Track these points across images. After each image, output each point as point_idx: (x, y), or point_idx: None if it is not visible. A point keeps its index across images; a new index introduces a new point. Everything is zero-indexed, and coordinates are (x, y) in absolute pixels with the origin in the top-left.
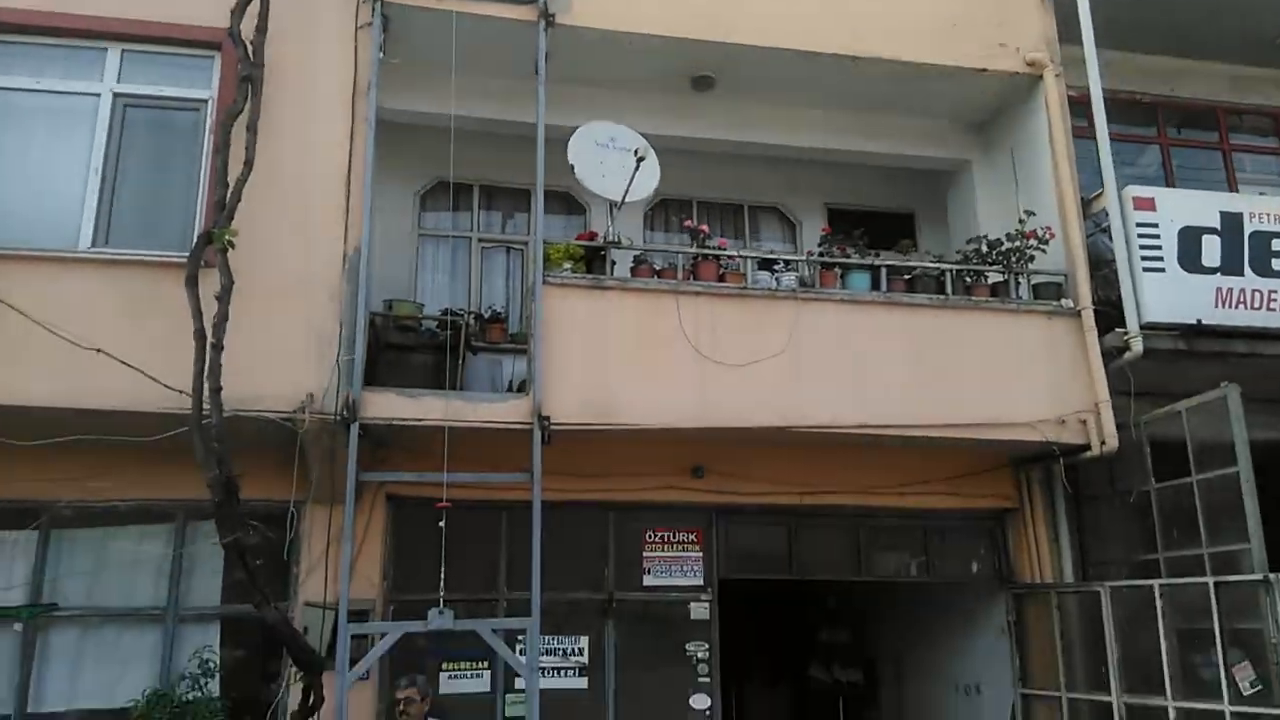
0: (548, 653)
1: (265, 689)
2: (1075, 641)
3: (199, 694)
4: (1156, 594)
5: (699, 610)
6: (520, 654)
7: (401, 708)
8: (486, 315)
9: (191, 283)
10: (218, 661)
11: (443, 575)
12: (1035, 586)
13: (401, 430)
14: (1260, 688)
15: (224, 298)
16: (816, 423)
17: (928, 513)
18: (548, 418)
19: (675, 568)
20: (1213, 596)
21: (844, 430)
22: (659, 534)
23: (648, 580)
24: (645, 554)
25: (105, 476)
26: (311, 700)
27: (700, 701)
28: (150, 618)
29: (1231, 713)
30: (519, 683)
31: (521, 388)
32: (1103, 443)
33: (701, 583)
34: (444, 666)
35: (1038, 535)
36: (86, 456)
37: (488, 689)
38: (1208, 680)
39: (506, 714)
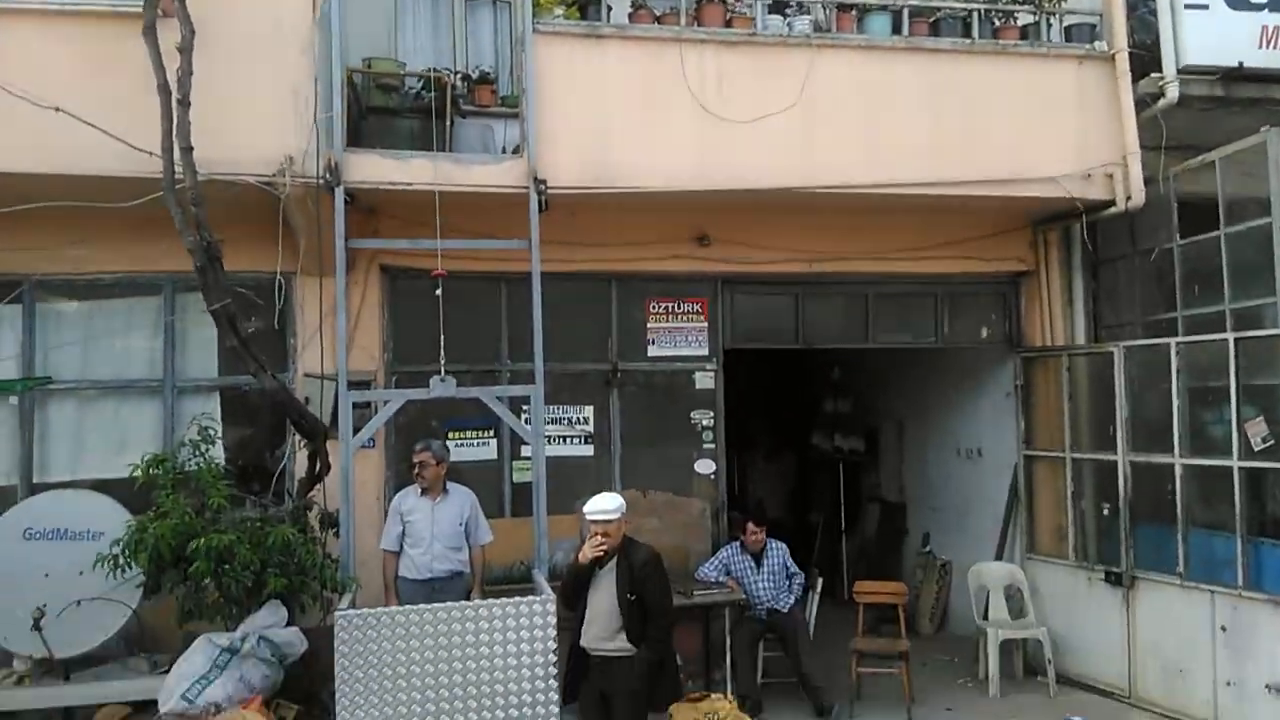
0: (553, 422)
1: (270, 459)
2: (1083, 403)
3: (201, 461)
4: (1173, 352)
5: (704, 380)
6: (526, 423)
7: (417, 470)
8: (474, 76)
9: (150, 31)
10: (218, 429)
11: (442, 344)
12: (1046, 350)
13: (390, 197)
14: (1271, 443)
15: (186, 48)
16: (828, 183)
17: (940, 278)
18: (544, 181)
19: (680, 338)
20: (1231, 353)
21: (857, 190)
22: (663, 304)
23: (652, 351)
24: (649, 325)
25: (85, 245)
26: (318, 468)
27: (705, 466)
28: (148, 390)
29: (1239, 468)
30: (525, 450)
31: (516, 152)
32: (1128, 198)
33: (706, 353)
34: (450, 435)
35: (1051, 298)
36: (64, 226)
37: (494, 456)
38: (1218, 438)
39: (514, 480)
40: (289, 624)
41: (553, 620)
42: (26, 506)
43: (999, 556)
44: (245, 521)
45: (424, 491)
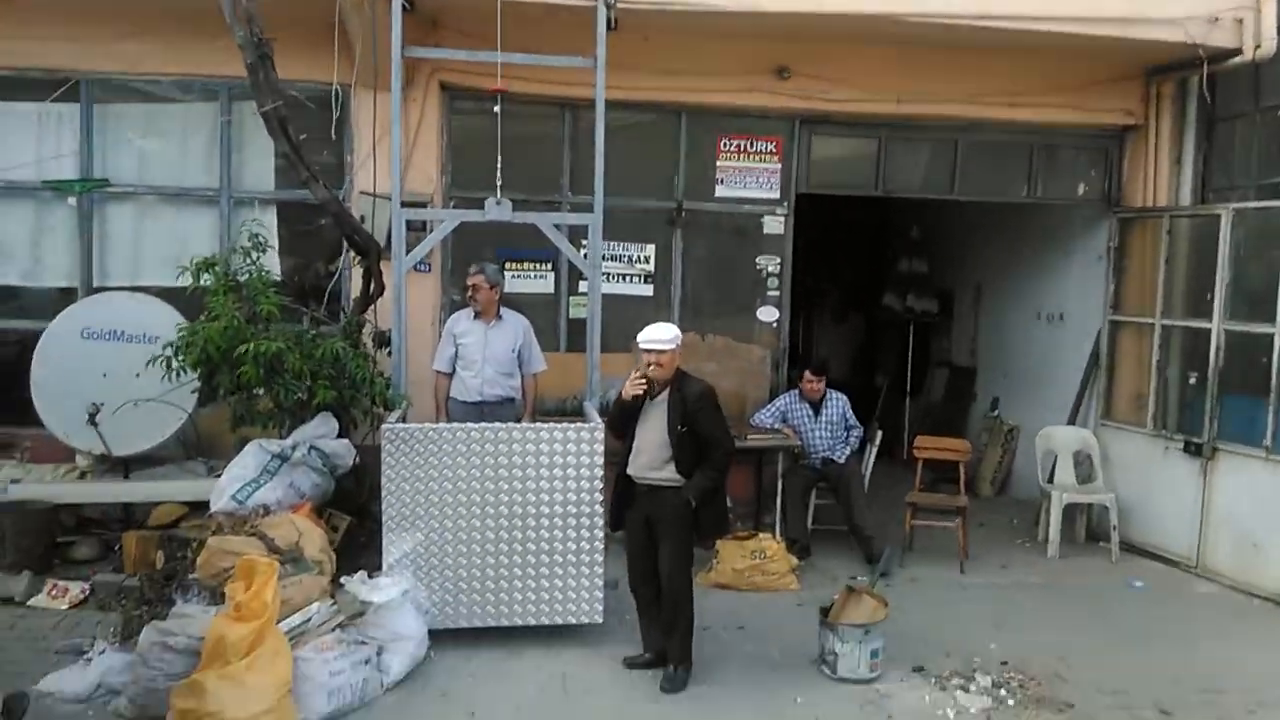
0: (612, 259)
1: (325, 277)
2: (1180, 269)
3: (252, 270)
4: None
5: (773, 225)
6: (584, 255)
7: (470, 293)
8: None
9: None
10: (269, 237)
11: (499, 165)
12: (1146, 211)
13: (452, 5)
14: None
15: None
16: (924, 11)
17: (1037, 127)
18: None
19: (750, 179)
20: None
21: (955, 21)
22: (734, 142)
23: (720, 191)
24: (719, 163)
25: (135, 40)
26: (372, 287)
27: (768, 314)
28: (204, 199)
29: None
30: (583, 285)
31: None
32: (1257, 46)
33: (777, 196)
34: (507, 266)
35: (1158, 155)
36: (111, 17)
37: (551, 290)
38: None
39: (570, 315)
40: (340, 437)
41: (600, 449)
42: (85, 306)
43: (1071, 422)
44: (296, 332)
45: (477, 315)
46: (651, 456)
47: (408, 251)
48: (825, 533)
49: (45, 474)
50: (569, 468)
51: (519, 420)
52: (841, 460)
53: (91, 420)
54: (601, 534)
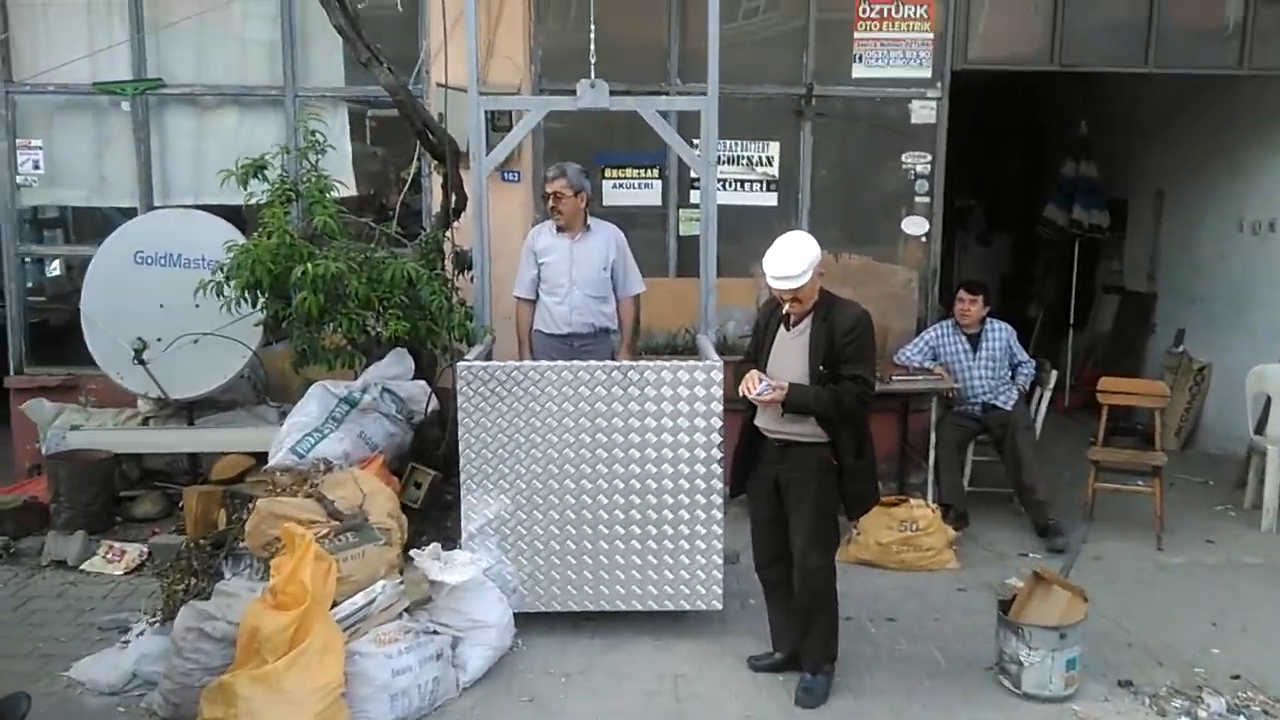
0: (729, 162)
1: (403, 190)
2: None
3: (312, 175)
4: None
5: (923, 112)
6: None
7: (551, 203)
8: None
9: None
10: (327, 134)
11: (592, 40)
12: None
13: None
14: None
15: None
16: None
17: None
18: None
19: (896, 53)
20: None
21: None
22: (875, 7)
23: (858, 71)
24: (856, 34)
25: None
26: (453, 200)
27: (915, 225)
28: (267, 100)
29: None
30: (694, 196)
31: None
32: None
33: (929, 74)
34: (606, 174)
35: None
36: None
37: (658, 202)
38: None
39: (680, 232)
40: (418, 378)
41: (720, 393)
42: (140, 224)
43: None
44: (361, 251)
45: (560, 229)
46: None
47: (489, 151)
48: (982, 495)
49: (107, 420)
50: (681, 416)
51: (616, 356)
52: (1008, 406)
53: (138, 358)
54: (722, 500)
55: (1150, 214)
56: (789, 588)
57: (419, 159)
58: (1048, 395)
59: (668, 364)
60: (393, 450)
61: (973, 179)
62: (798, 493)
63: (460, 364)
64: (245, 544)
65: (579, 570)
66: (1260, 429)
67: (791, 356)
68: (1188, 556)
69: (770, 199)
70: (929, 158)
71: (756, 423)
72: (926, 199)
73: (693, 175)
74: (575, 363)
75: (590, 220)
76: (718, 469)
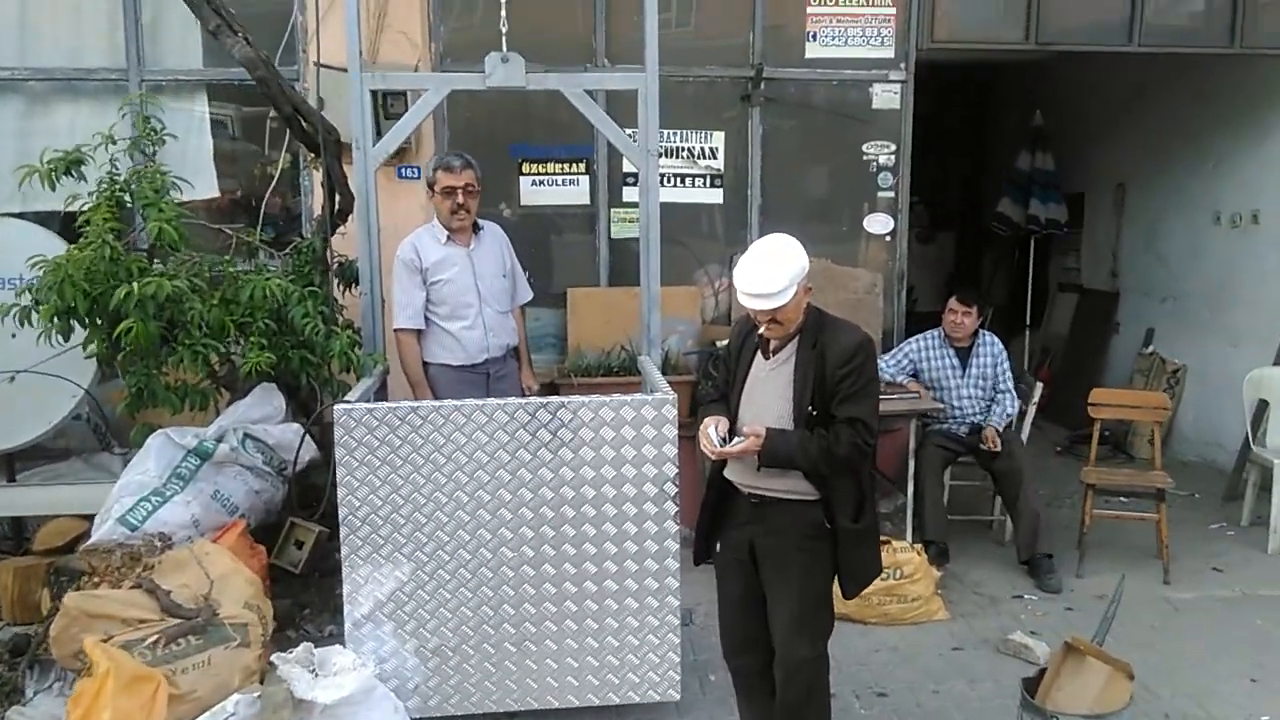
0: (668, 154)
1: (258, 184)
2: None
3: (141, 169)
4: None
5: (885, 97)
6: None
7: (458, 201)
8: None
9: None
10: (163, 121)
11: (504, 9)
12: None
13: None
14: None
15: None
16: None
17: None
18: None
19: (855, 31)
20: None
21: None
22: None
23: (812, 50)
24: (810, 9)
25: None
26: (339, 202)
27: (879, 224)
28: (107, 86)
29: None
30: (629, 192)
31: None
32: None
33: (891, 54)
34: (524, 169)
35: None
36: None
37: (586, 201)
38: None
39: (612, 234)
40: (297, 419)
41: (672, 433)
42: None
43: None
44: (211, 266)
45: (449, 236)
46: None
47: (377, 140)
48: (957, 525)
49: None
50: (625, 463)
51: (521, 380)
52: (999, 426)
53: None
54: (676, 565)
55: (1111, 208)
56: (767, 682)
57: (287, 150)
58: (1032, 412)
59: (609, 400)
60: (259, 512)
61: (914, 174)
62: (779, 564)
63: (337, 407)
64: (51, 649)
65: (498, 660)
66: (1257, 437)
67: (771, 393)
68: (1199, 590)
69: (715, 196)
70: (893, 147)
71: (727, 474)
72: (891, 194)
73: (626, 170)
74: (490, 401)
75: (477, 220)
76: (672, 526)
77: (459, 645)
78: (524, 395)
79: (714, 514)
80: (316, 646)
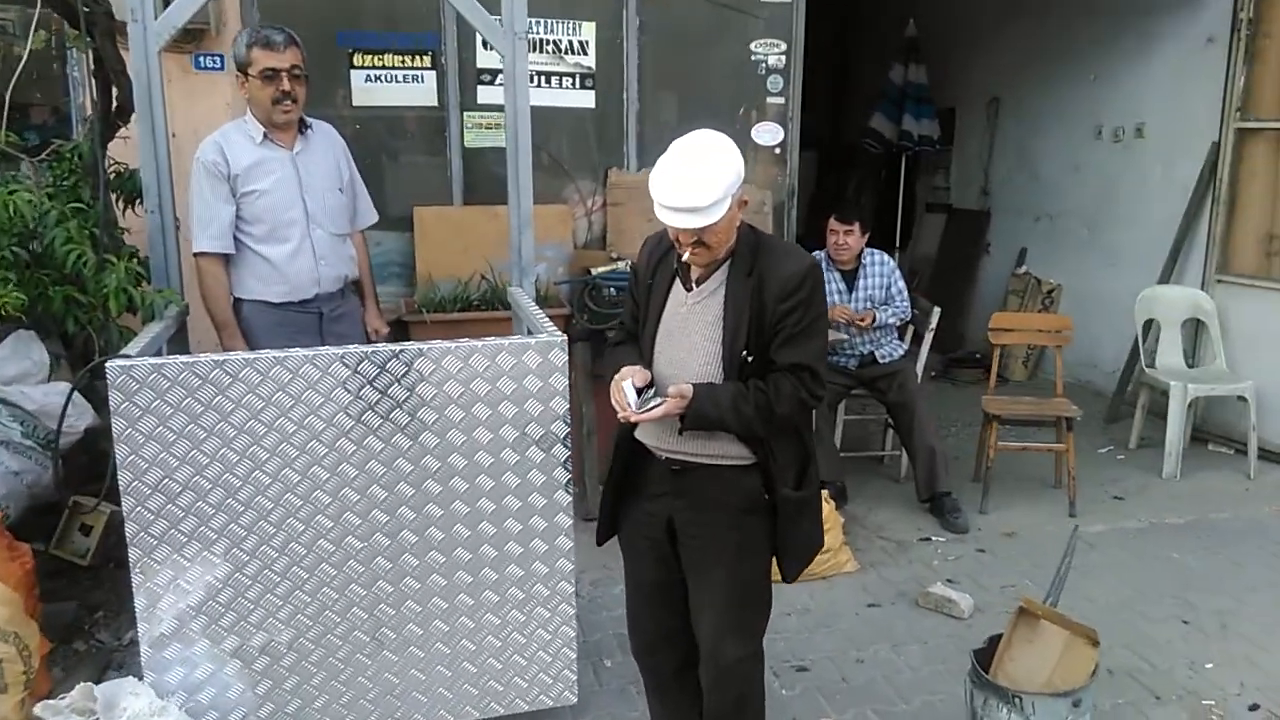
0: (531, 47)
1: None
2: None
3: None
4: None
5: None
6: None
7: (282, 89)
8: None
9: None
10: None
11: None
12: None
13: None
14: None
15: None
16: None
17: None
18: None
19: None
20: None
21: None
22: None
23: None
24: None
25: None
26: (116, 95)
27: (768, 134)
28: None
29: None
30: (484, 92)
31: None
32: None
33: None
34: (356, 62)
35: None
36: None
37: (433, 101)
38: None
39: (466, 142)
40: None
41: (562, 383)
42: None
43: (1166, 279)
44: None
45: (268, 134)
46: None
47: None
48: (849, 461)
49: None
50: (505, 424)
51: (366, 322)
52: (894, 357)
53: None
54: (570, 543)
55: (984, 124)
56: (686, 682)
57: (37, 26)
58: (929, 339)
59: (479, 345)
60: (21, 497)
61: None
62: (705, 545)
63: (111, 363)
64: None
65: (350, 676)
66: (1152, 361)
67: (694, 333)
68: (1106, 522)
69: (586, 99)
70: (783, 46)
71: (639, 435)
72: (781, 100)
73: (481, 64)
74: (324, 350)
75: (304, 117)
76: (563, 498)
77: (298, 662)
78: (369, 341)
79: (621, 483)
80: (111, 664)
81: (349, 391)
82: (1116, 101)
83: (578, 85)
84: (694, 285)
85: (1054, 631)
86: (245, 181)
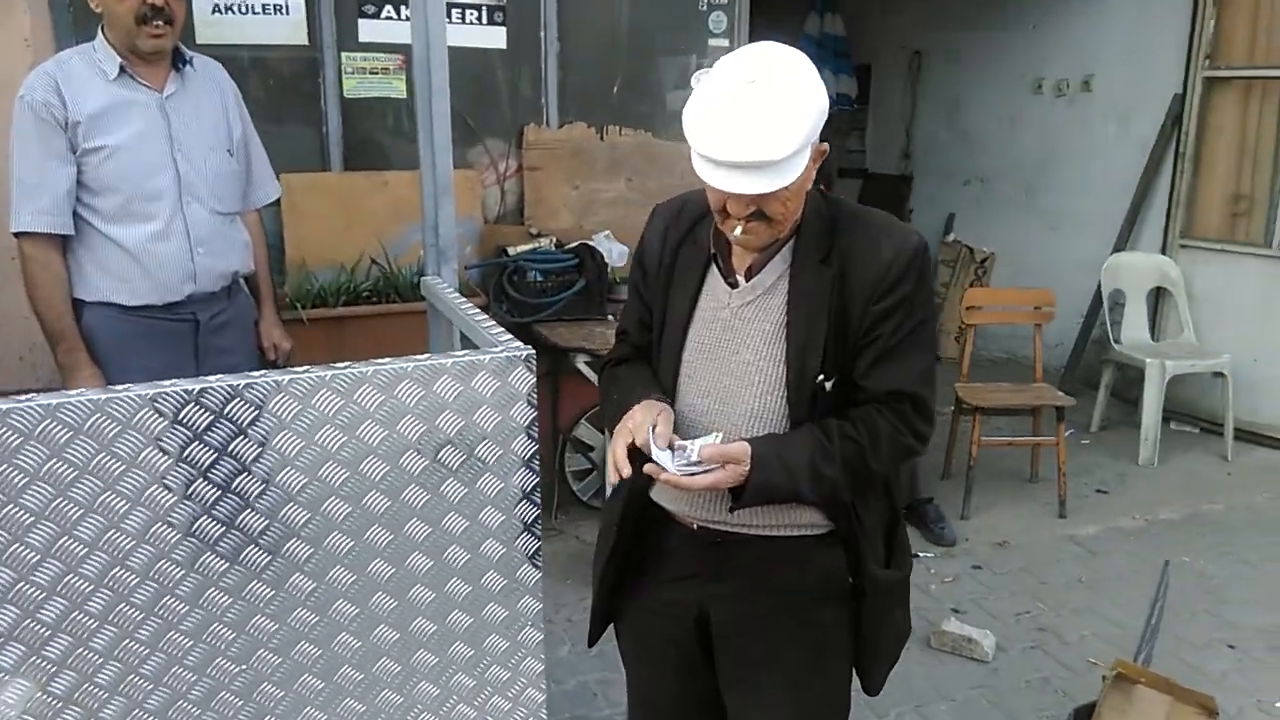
0: None
1: None
2: None
3: None
4: None
5: None
6: None
7: (157, 26)
8: None
9: None
10: None
11: None
12: None
13: None
14: None
15: None
16: None
17: None
18: None
19: None
20: None
21: None
22: None
23: None
24: None
25: None
26: None
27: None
28: None
29: None
30: (366, 27)
31: None
32: None
33: None
34: None
35: None
36: None
37: (302, 40)
38: None
39: (345, 92)
40: None
41: (530, 416)
42: None
43: (1122, 246)
44: None
45: (126, 67)
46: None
47: None
48: None
49: None
50: (448, 478)
51: (261, 334)
52: None
53: None
54: (540, 635)
55: (904, 81)
56: None
57: None
58: None
59: (407, 366)
60: None
61: None
62: (759, 649)
63: None
64: None
65: None
66: (1115, 334)
67: (745, 349)
68: (1098, 522)
69: (497, 37)
70: None
71: (656, 495)
72: (725, 41)
73: None
74: (172, 387)
75: (184, 51)
76: (530, 574)
77: None
78: (265, 361)
79: (621, 564)
80: None
81: (166, 453)
82: (1060, 53)
83: (484, 20)
84: (741, 278)
85: (1151, 697)
86: (91, 133)
